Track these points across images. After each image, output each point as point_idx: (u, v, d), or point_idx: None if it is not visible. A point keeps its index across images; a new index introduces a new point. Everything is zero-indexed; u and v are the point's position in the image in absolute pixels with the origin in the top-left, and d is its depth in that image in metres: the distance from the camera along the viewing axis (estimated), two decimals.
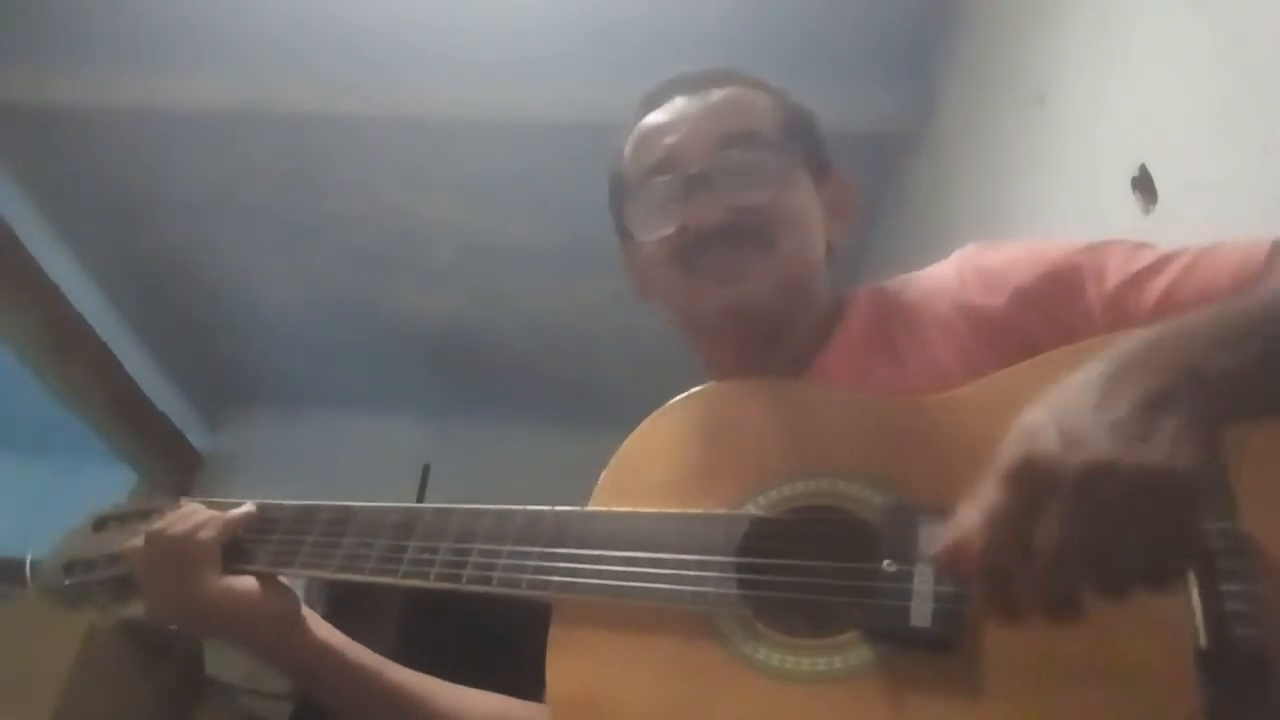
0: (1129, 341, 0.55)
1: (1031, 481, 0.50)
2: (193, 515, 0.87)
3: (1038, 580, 0.49)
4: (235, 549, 0.86)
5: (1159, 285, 0.72)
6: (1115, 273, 0.74)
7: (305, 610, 0.88)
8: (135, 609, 0.90)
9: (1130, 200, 1.34)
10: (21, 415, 3.32)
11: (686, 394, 0.82)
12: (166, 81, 2.38)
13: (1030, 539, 0.49)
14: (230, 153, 2.60)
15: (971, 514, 0.52)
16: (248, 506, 0.90)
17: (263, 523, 0.88)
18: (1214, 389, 0.52)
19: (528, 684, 0.74)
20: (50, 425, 3.22)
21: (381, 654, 0.89)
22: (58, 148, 2.61)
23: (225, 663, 2.69)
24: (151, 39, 2.31)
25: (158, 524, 0.87)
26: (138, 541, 0.87)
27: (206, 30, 2.28)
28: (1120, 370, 0.53)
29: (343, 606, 2.92)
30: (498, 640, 2.05)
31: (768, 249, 0.83)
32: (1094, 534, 0.48)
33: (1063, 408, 0.52)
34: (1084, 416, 0.51)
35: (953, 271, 0.84)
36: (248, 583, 0.85)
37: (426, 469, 3.28)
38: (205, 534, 0.85)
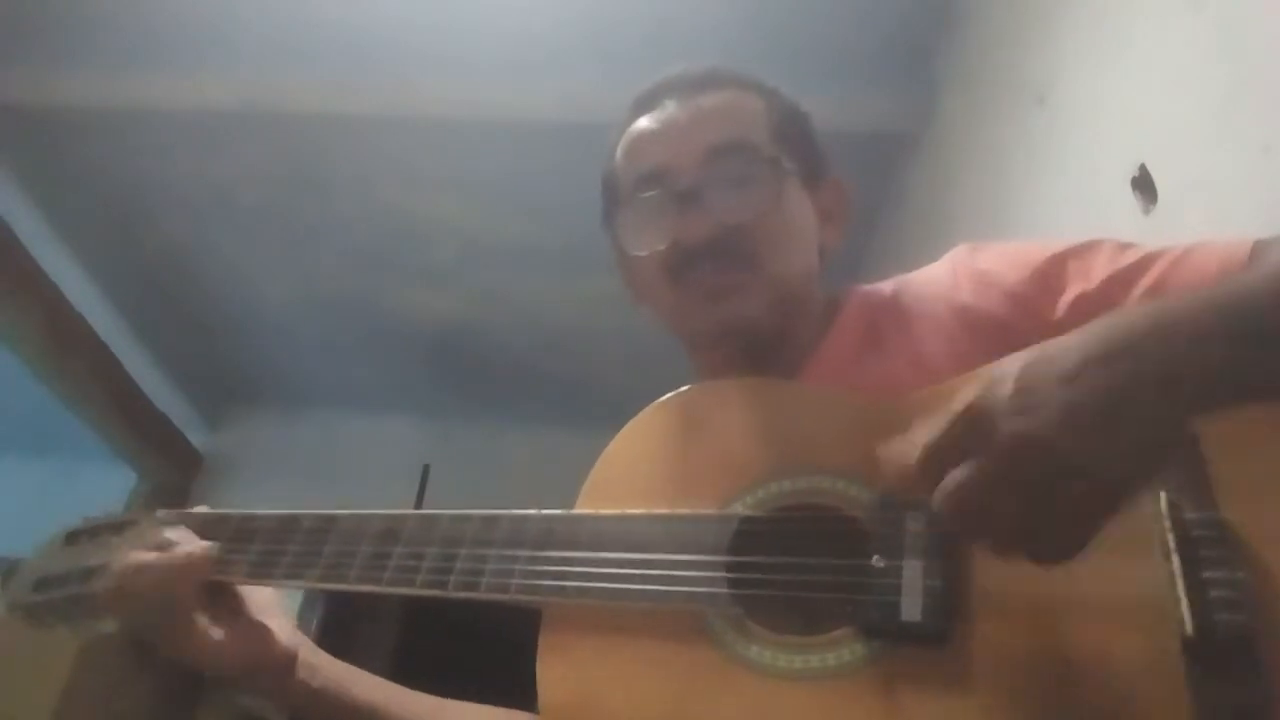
0: (1124, 321, 0.56)
1: (970, 425, 0.53)
2: (151, 566, 0.79)
3: (940, 510, 0.53)
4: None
5: (1144, 284, 0.73)
6: (1100, 271, 0.75)
7: (307, 651, 0.85)
8: (111, 625, 0.85)
9: (1130, 200, 1.34)
10: (21, 415, 3.32)
11: (669, 395, 0.82)
12: (166, 81, 2.38)
13: (946, 472, 0.53)
14: (230, 153, 2.60)
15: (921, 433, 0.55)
16: (208, 546, 0.82)
17: (242, 533, 0.84)
18: (1183, 391, 0.53)
19: (526, 694, 0.73)
20: (50, 425, 3.21)
21: (378, 671, 0.88)
22: (58, 148, 2.61)
23: None
24: (151, 39, 2.31)
25: (116, 573, 0.80)
26: (110, 583, 0.81)
27: (206, 30, 2.28)
28: (1103, 354, 0.53)
29: (338, 622, 2.91)
30: (497, 652, 2.04)
31: (754, 268, 0.83)
32: (996, 496, 0.51)
33: (1035, 367, 0.54)
34: (1048, 385, 0.52)
35: (946, 272, 0.84)
36: (241, 631, 0.80)
37: (426, 469, 3.28)
38: (182, 588, 0.79)
